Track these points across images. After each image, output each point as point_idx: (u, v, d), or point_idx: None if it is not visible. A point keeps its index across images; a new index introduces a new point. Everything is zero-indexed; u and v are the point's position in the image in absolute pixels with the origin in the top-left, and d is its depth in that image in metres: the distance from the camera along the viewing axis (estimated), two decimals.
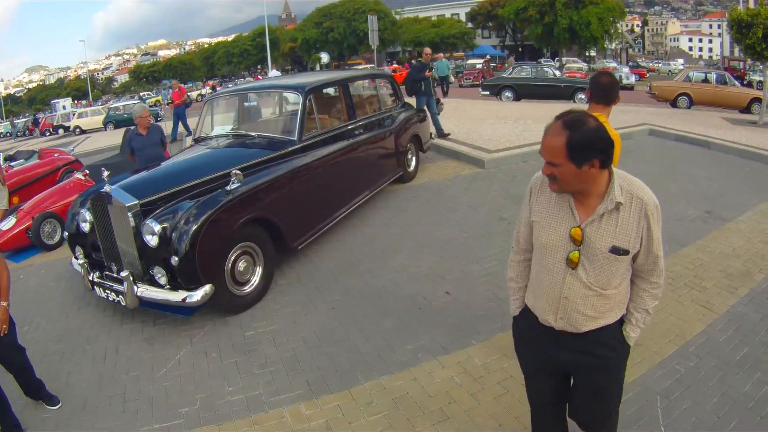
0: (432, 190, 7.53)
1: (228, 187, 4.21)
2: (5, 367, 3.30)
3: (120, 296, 4.16)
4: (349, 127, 6.14)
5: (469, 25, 65.74)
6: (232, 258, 4.27)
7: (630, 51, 68.01)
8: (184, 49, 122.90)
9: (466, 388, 3.22)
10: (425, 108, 9.62)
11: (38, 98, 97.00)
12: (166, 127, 13.02)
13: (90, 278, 4.47)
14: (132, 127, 7.06)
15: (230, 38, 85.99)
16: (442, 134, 10.19)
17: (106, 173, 4.50)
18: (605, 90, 2.99)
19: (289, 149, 5.15)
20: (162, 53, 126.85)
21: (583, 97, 17.41)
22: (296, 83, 5.84)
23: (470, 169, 8.60)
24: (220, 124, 6.09)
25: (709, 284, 4.42)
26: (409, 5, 74.98)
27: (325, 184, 5.48)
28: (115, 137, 16.98)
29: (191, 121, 13.01)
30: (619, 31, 53.76)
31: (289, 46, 69.91)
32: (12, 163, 9.87)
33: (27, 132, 36.66)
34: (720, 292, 4.28)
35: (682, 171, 7.75)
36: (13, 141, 33.31)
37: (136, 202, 4.13)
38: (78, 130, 27.71)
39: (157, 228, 3.96)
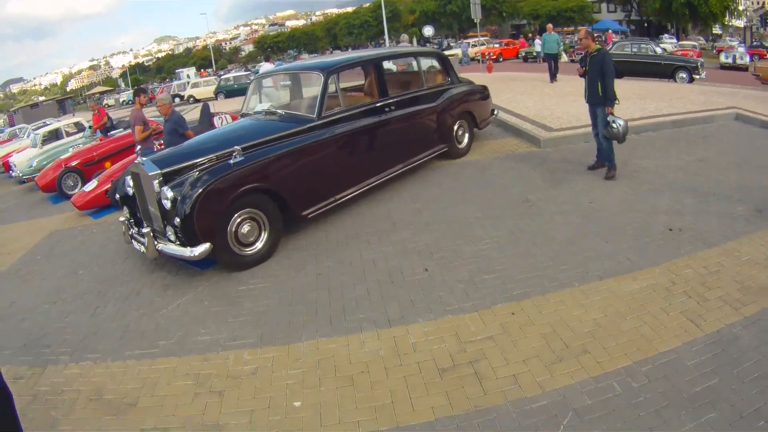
0: (477, 167, 7.57)
1: (230, 161, 4.79)
2: None
3: (144, 248, 4.95)
4: (378, 105, 6.42)
5: None
6: (237, 221, 4.86)
7: (761, 30, 58.63)
8: (311, 19, 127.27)
9: (385, 361, 3.40)
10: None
11: (165, 67, 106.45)
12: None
13: (129, 233, 5.36)
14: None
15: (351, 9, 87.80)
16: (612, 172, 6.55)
17: (138, 148, 5.32)
18: None
19: (307, 126, 5.60)
20: (290, 23, 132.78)
21: (684, 75, 15.83)
22: (320, 63, 6.26)
23: (526, 148, 8.43)
24: (263, 101, 6.71)
25: (714, 296, 3.74)
26: None
27: (343, 158, 5.88)
28: (223, 106, 18.57)
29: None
30: (740, 7, 47.34)
31: (411, 18, 69.85)
32: (113, 131, 11.49)
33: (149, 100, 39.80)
34: (721, 307, 3.59)
35: (756, 163, 6.87)
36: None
37: (158, 171, 4.88)
38: (192, 99, 30.41)
39: (170, 194, 4.66)
